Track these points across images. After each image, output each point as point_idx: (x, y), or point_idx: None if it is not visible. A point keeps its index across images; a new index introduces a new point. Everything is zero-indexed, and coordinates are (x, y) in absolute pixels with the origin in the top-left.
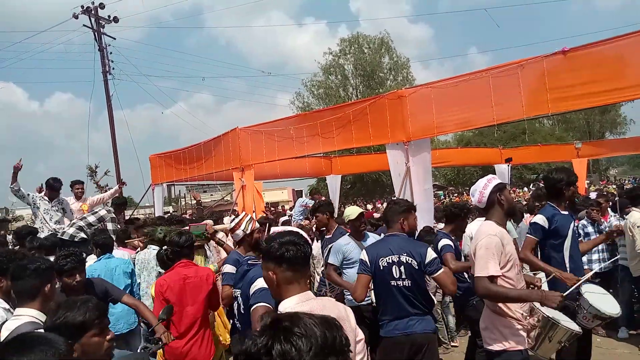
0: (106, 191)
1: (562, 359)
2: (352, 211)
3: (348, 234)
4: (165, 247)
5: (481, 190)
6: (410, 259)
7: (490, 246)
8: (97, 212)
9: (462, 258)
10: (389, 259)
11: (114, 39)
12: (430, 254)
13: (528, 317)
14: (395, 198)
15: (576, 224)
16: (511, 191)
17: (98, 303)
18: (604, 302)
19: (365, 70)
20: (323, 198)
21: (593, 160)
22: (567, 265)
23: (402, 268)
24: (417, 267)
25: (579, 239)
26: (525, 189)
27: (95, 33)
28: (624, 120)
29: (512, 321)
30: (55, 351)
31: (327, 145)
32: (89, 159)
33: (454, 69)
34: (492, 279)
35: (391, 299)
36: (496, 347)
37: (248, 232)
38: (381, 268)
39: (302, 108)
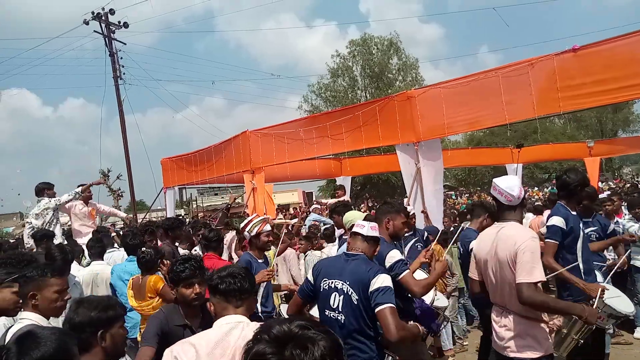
0: (119, 195)
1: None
2: (353, 216)
3: None
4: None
5: (520, 187)
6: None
7: (535, 250)
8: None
9: None
10: None
11: (125, 44)
12: (391, 258)
13: (552, 318)
14: (400, 199)
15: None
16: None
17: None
18: (618, 300)
19: (374, 72)
20: (341, 193)
21: (606, 159)
22: (581, 266)
23: None
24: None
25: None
26: (536, 188)
27: (106, 39)
28: (637, 118)
29: (543, 326)
30: (64, 345)
31: (337, 147)
32: (102, 164)
33: (465, 69)
34: (536, 285)
35: None
36: (529, 354)
37: (253, 233)
38: None
39: (310, 112)
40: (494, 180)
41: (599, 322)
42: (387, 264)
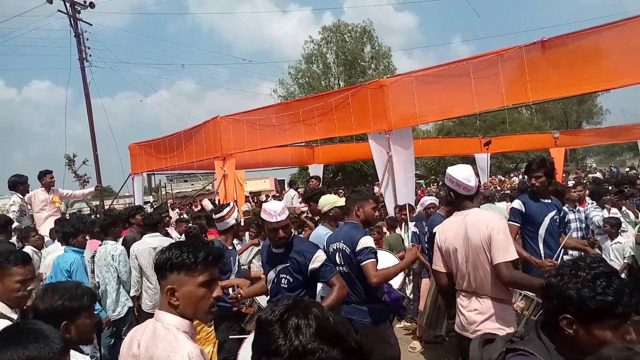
0: (85, 181)
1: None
2: (329, 199)
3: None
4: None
5: (475, 176)
6: (345, 246)
7: (507, 230)
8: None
9: None
10: (334, 245)
11: (91, 24)
12: (362, 243)
13: (516, 301)
14: (360, 187)
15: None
16: (492, 179)
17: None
18: None
19: (347, 59)
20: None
21: (570, 150)
22: (542, 251)
23: (341, 255)
24: (349, 254)
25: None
26: (500, 177)
27: (71, 19)
28: (600, 110)
29: (510, 308)
30: (51, 349)
31: (309, 134)
32: (68, 148)
33: (439, 58)
34: (512, 263)
35: None
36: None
37: (240, 221)
38: (329, 254)
39: (284, 97)
40: (449, 171)
41: None
42: (358, 247)
